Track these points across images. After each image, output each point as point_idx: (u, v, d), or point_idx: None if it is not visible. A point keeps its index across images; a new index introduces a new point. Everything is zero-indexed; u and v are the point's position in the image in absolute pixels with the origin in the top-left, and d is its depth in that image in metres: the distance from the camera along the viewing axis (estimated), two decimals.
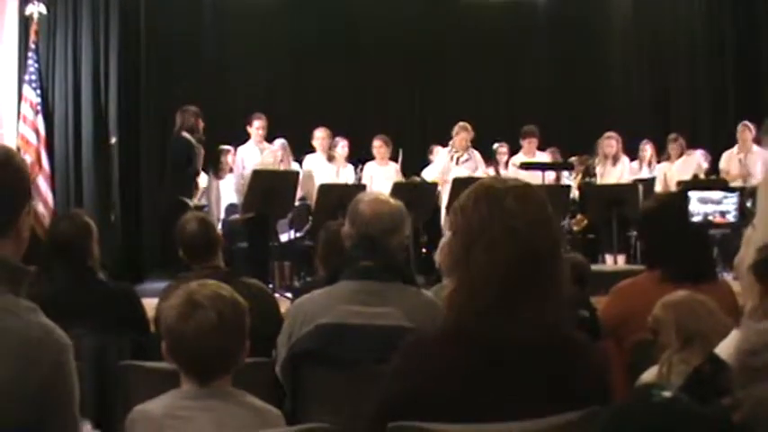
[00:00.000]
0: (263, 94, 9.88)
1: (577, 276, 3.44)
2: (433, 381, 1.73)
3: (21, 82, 8.27)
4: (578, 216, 8.32)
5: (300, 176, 7.59)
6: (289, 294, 5.76)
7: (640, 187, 7.91)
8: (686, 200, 7.28)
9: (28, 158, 7.62)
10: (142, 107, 9.22)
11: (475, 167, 8.38)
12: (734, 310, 2.75)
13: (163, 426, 1.92)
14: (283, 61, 10.18)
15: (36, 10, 8.29)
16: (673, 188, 8.19)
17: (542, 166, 8.31)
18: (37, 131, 8.14)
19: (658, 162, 8.98)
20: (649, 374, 2.37)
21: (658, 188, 8.34)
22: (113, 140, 8.44)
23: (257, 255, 7.24)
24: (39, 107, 8.18)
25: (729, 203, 7.60)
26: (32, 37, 8.25)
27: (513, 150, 9.00)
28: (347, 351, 2.50)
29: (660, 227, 3.34)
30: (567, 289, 1.80)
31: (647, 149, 9.08)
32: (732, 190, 7.86)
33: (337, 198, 6.50)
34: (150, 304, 3.52)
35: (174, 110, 7.59)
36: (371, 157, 8.50)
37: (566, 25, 10.68)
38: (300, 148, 8.22)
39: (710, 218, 7.50)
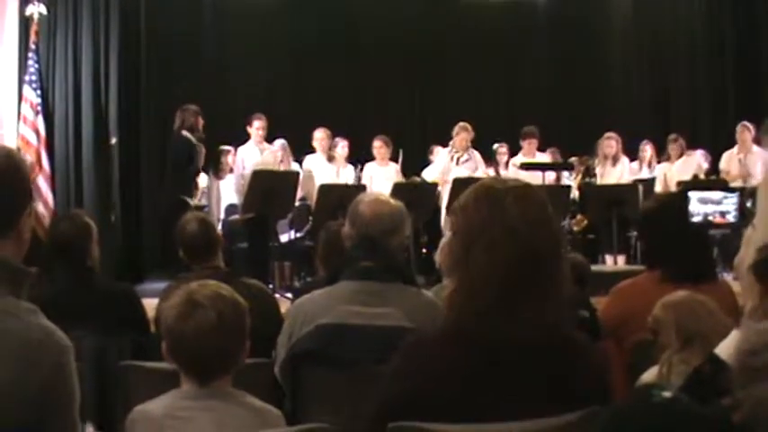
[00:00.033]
0: (263, 94, 9.88)
1: (577, 276, 3.43)
2: (433, 381, 1.72)
3: (21, 82, 8.27)
4: (578, 216, 8.31)
5: (300, 177, 7.59)
6: (289, 295, 5.75)
7: (640, 187, 7.90)
8: (686, 200, 7.27)
9: (28, 159, 7.61)
10: (142, 107, 9.22)
11: (475, 168, 8.37)
12: (734, 311, 2.75)
13: (163, 426, 1.92)
14: (283, 61, 10.18)
15: (36, 10, 8.28)
16: (673, 188, 8.18)
17: (542, 167, 8.32)
18: (37, 132, 8.14)
19: (658, 162, 8.97)
20: (649, 375, 2.37)
21: (658, 188, 8.33)
22: (113, 141, 8.43)
23: (257, 255, 7.23)
24: (39, 107, 8.17)
25: (729, 204, 7.59)
26: (33, 37, 8.25)
27: (513, 151, 8.99)
28: (347, 351, 2.50)
29: (660, 227, 3.34)
30: (567, 289, 1.80)
31: (647, 150, 9.07)
32: (732, 190, 7.86)
33: (337, 198, 6.51)
34: (150, 304, 3.52)
35: (174, 110, 7.59)
36: (371, 158, 8.50)
37: (566, 25, 10.68)
38: (300, 148, 8.22)
39: (710, 218, 7.49)
